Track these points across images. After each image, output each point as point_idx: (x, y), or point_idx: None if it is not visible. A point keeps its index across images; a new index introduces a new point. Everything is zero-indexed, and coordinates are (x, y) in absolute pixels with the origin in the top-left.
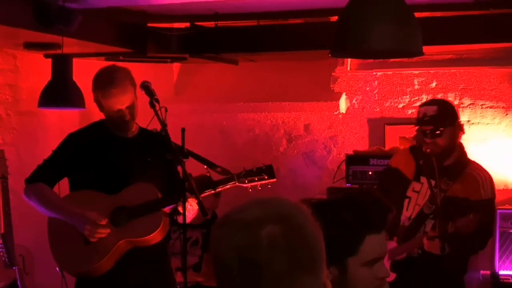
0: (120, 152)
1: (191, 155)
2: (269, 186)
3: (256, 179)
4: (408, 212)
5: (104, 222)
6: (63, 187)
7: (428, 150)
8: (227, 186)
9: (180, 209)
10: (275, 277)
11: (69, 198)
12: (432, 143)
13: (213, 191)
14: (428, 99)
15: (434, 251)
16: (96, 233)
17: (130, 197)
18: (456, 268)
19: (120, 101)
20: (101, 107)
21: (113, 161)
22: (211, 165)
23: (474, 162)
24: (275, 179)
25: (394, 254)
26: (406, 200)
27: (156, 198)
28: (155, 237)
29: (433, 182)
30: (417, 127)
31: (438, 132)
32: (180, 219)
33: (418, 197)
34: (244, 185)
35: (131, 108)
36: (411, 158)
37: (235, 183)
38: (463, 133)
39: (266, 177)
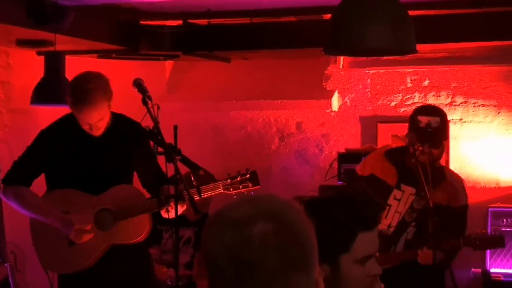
0: (92, 148)
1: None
2: (252, 193)
3: (240, 187)
4: (387, 220)
5: (89, 227)
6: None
7: (420, 157)
8: (212, 194)
9: (165, 212)
10: (267, 275)
11: (49, 198)
12: (429, 152)
13: (198, 198)
14: (425, 104)
15: (426, 262)
16: (81, 238)
17: (114, 199)
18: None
19: (91, 117)
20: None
21: (85, 158)
22: (193, 167)
23: (448, 169)
24: (259, 186)
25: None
26: (386, 208)
27: (141, 201)
28: (141, 239)
29: (413, 190)
30: (412, 133)
31: (440, 144)
32: (169, 214)
33: (398, 204)
34: (229, 192)
35: (103, 120)
36: (389, 164)
37: (220, 190)
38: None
39: (250, 185)
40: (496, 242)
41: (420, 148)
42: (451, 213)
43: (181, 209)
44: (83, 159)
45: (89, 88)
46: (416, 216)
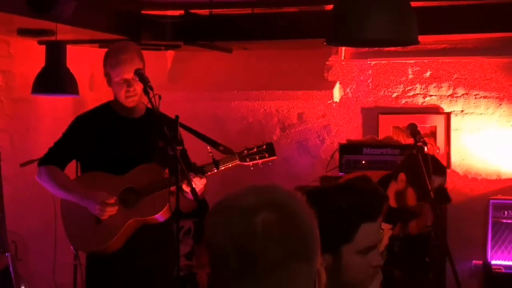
0: (126, 133)
1: (194, 133)
2: (270, 163)
3: (257, 157)
4: None
5: (112, 200)
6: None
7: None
8: (229, 165)
9: (185, 187)
10: (269, 264)
11: (79, 180)
12: None
13: (216, 170)
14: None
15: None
16: (105, 212)
17: (137, 178)
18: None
19: (127, 69)
20: (110, 81)
21: (119, 142)
22: (214, 144)
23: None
24: (276, 157)
25: None
26: None
27: (162, 178)
28: (162, 215)
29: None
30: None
31: None
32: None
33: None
34: (246, 163)
35: (137, 82)
36: None
37: (237, 161)
38: None
39: (266, 155)
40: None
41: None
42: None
43: (201, 184)
44: (116, 142)
45: (126, 44)
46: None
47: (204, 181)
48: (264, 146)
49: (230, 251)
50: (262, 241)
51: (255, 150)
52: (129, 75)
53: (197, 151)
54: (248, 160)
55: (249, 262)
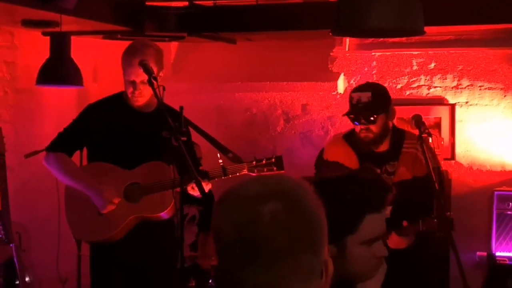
0: (136, 127)
1: (205, 136)
2: None
3: (265, 169)
4: None
5: (117, 200)
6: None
7: (362, 136)
8: (237, 174)
9: (190, 189)
10: (275, 253)
11: (87, 169)
12: (365, 129)
13: (223, 177)
14: (363, 83)
15: (396, 247)
16: (107, 208)
17: (144, 174)
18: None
19: (136, 73)
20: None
21: (129, 135)
22: (223, 150)
23: (407, 136)
24: (283, 171)
25: None
26: None
27: (169, 177)
28: (167, 213)
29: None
30: (350, 114)
31: (372, 119)
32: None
33: None
34: (253, 174)
35: (146, 85)
36: (348, 148)
37: (245, 171)
38: (394, 118)
39: (275, 169)
40: (449, 224)
41: (359, 127)
42: (418, 184)
43: (206, 188)
44: (125, 134)
45: (145, 46)
46: None
47: (209, 186)
48: (273, 159)
49: (237, 239)
50: (268, 230)
51: (264, 162)
52: (137, 78)
53: (205, 155)
54: (256, 171)
55: (255, 251)
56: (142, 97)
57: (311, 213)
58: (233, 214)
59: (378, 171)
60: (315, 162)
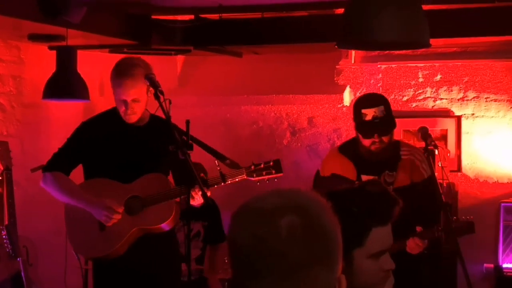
0: (131, 141)
1: (201, 145)
2: (275, 180)
3: (264, 173)
4: None
5: (120, 209)
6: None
7: (373, 149)
8: (236, 179)
9: (191, 200)
10: (290, 267)
11: (85, 186)
12: (379, 141)
13: (222, 184)
14: (366, 94)
15: (415, 251)
16: (112, 218)
17: (144, 187)
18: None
19: (128, 92)
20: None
21: (123, 150)
22: (220, 157)
23: (404, 143)
24: (282, 174)
25: None
26: None
27: (168, 188)
28: (168, 224)
29: (375, 178)
30: (364, 130)
31: (391, 130)
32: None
33: None
34: (252, 178)
35: (139, 105)
36: (345, 159)
37: (244, 176)
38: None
39: (273, 172)
40: (468, 228)
41: (371, 141)
42: (418, 190)
43: (198, 201)
44: (121, 149)
45: (133, 63)
46: None
47: (208, 193)
48: (271, 163)
49: (253, 252)
50: (285, 243)
51: (262, 166)
52: (128, 97)
53: (204, 163)
54: (254, 175)
55: (270, 264)
56: (135, 114)
57: (327, 229)
58: (250, 226)
59: (376, 178)
60: (313, 179)
